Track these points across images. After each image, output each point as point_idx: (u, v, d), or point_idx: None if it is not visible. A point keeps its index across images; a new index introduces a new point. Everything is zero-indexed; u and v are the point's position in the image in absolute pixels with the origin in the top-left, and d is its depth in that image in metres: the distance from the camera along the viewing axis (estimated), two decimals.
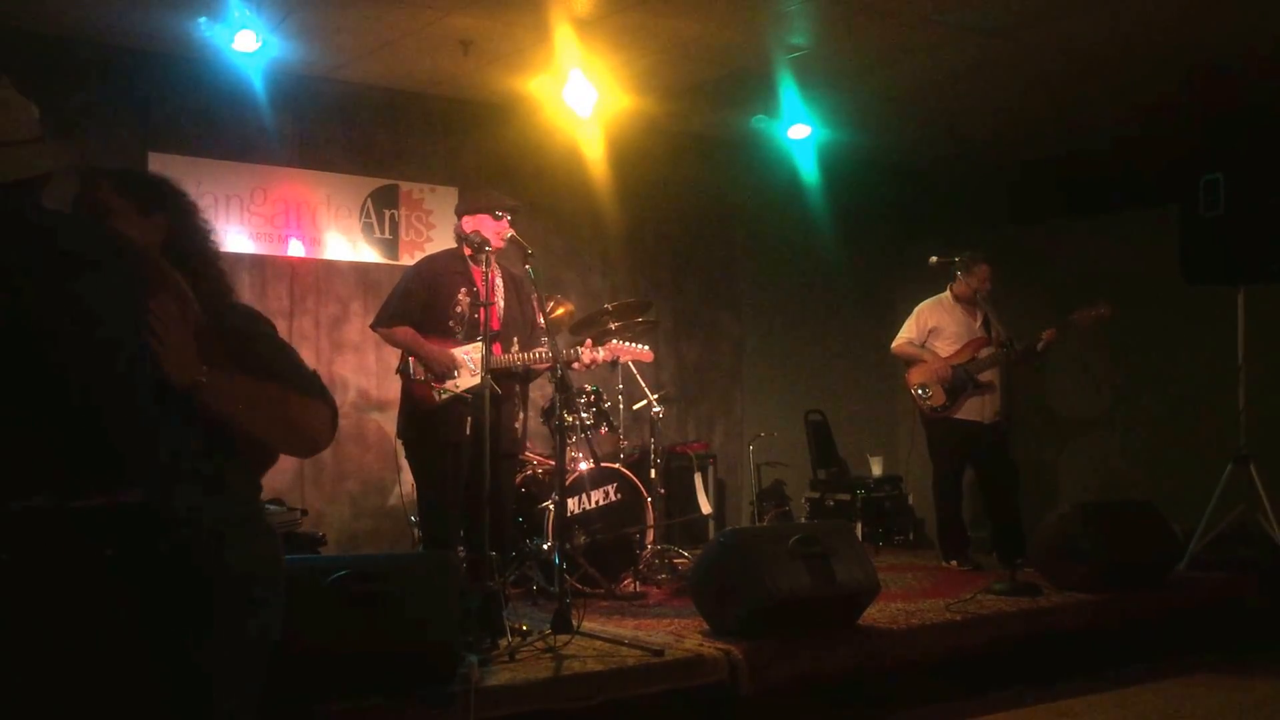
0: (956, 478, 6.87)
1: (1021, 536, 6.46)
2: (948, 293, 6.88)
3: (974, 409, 6.68)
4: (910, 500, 8.33)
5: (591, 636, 4.44)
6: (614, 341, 5.37)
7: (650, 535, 6.10)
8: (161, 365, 2.04)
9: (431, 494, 5.15)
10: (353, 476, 7.21)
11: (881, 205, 9.09)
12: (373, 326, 5.29)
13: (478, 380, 4.91)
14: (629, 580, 5.82)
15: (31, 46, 6.32)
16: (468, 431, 4.89)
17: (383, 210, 7.43)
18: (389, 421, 6.68)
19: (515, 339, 5.19)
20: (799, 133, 7.99)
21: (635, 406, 6.75)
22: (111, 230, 2.20)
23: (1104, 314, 6.55)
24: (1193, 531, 6.43)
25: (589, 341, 5.24)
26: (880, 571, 5.17)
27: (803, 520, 7.83)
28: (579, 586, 5.56)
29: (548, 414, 6.22)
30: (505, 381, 5.04)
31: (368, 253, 7.37)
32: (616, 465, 6.07)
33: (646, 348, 5.45)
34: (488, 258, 4.89)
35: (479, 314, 4.94)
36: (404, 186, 7.51)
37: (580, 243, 8.19)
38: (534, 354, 5.08)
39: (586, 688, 3.98)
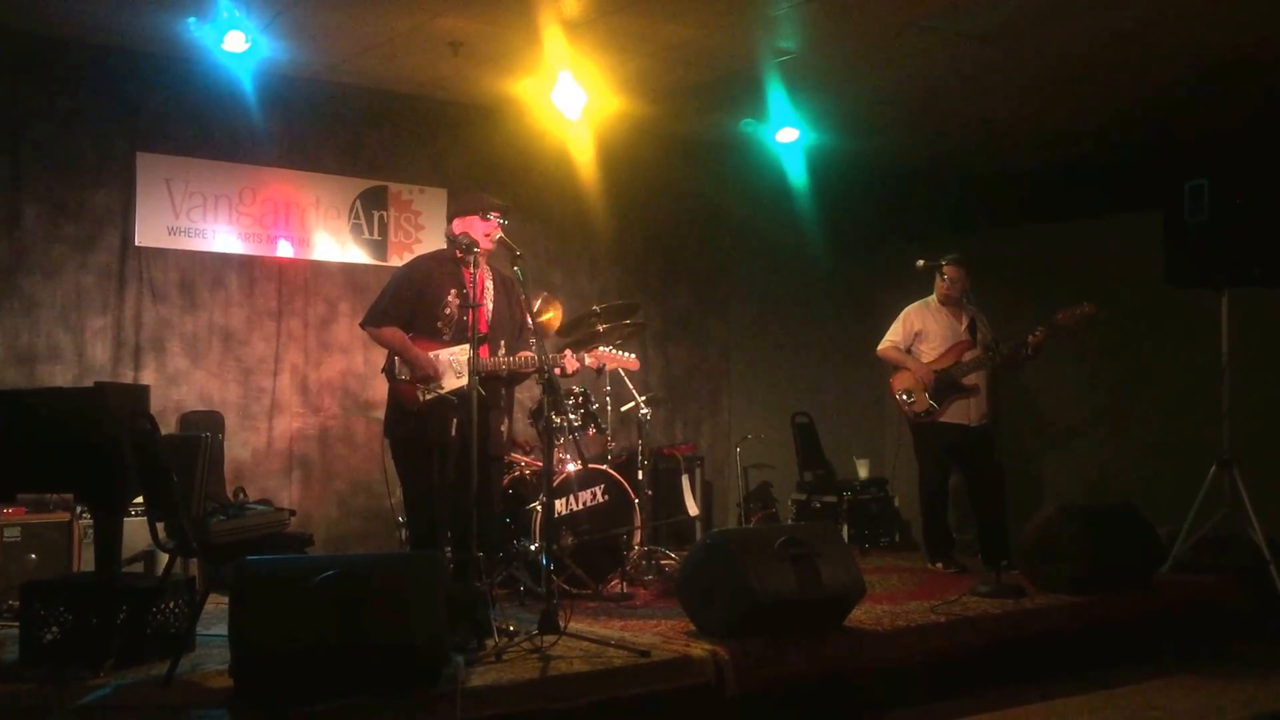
0: (942, 480, 6.89)
1: (1006, 539, 6.48)
2: (934, 296, 6.91)
3: (959, 412, 6.71)
4: (896, 502, 8.35)
5: (578, 637, 4.46)
6: (601, 349, 5.34)
7: (637, 536, 6.10)
8: None
9: (417, 495, 5.14)
10: (341, 477, 7.21)
11: (869, 209, 9.12)
12: (362, 325, 5.29)
13: (463, 382, 4.92)
14: (616, 581, 5.83)
15: (19, 45, 6.32)
16: (453, 433, 4.89)
17: (371, 211, 7.44)
18: (377, 422, 6.68)
19: (502, 342, 5.19)
20: (787, 136, 8.04)
21: (623, 408, 6.77)
22: None
23: (1088, 312, 6.57)
24: (1176, 534, 6.46)
25: (567, 351, 5.22)
26: (866, 573, 5.20)
27: (789, 522, 7.86)
28: (566, 587, 5.57)
29: (536, 415, 6.22)
30: (490, 384, 5.02)
31: (356, 254, 7.37)
32: (604, 467, 6.08)
33: (634, 356, 5.42)
34: (476, 259, 4.89)
35: (468, 316, 4.95)
36: (393, 188, 7.52)
37: (568, 244, 8.20)
38: (519, 358, 5.06)
39: (573, 688, 3.99)
